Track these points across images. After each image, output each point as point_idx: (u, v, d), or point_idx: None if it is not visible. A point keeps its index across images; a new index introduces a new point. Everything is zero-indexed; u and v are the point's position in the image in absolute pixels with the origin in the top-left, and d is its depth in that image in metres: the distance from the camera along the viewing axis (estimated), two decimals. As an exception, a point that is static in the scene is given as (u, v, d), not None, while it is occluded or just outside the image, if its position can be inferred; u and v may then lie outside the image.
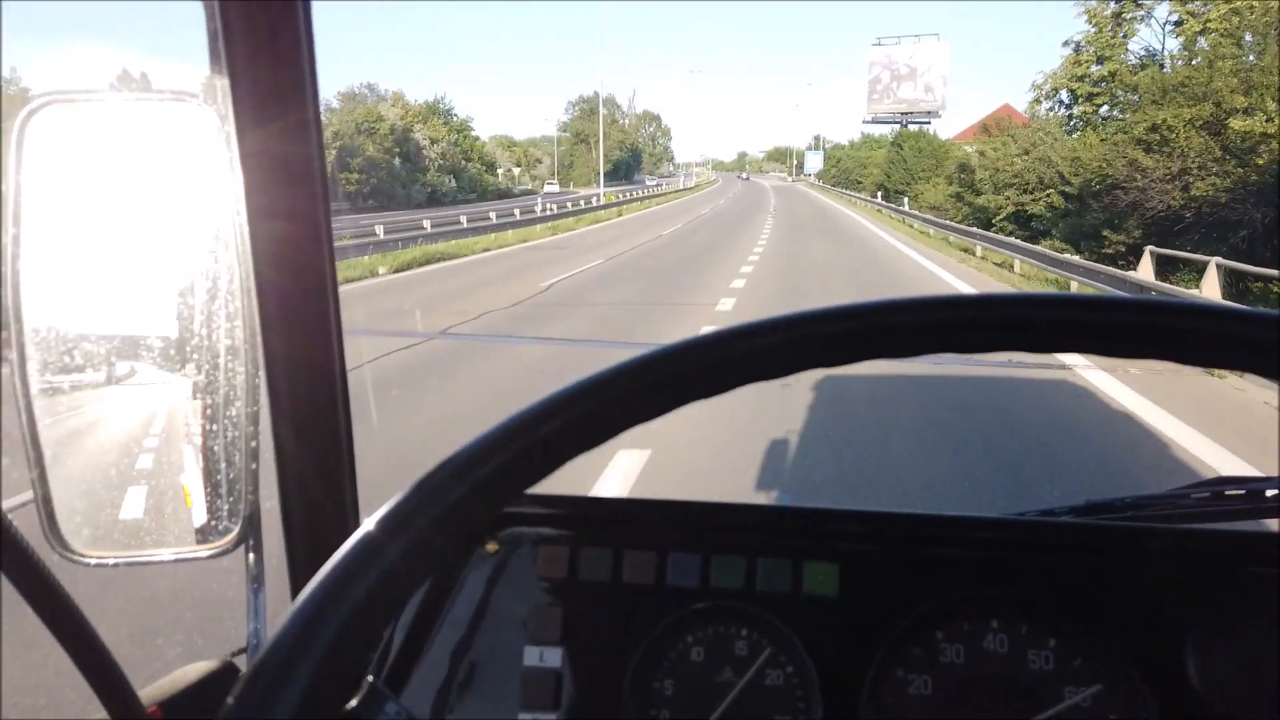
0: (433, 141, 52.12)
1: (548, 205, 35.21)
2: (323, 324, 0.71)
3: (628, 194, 55.46)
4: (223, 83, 0.68)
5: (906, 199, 36.86)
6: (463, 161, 56.92)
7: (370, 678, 0.42)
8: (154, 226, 0.75)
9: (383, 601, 0.36)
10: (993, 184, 24.20)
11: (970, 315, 0.40)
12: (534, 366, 7.61)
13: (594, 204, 39.34)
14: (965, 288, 13.23)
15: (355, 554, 0.36)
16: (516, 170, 74.99)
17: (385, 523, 0.37)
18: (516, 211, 28.77)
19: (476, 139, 64.89)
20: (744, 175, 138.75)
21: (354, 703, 0.40)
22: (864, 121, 73.24)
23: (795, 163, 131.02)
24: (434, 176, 51.19)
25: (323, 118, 0.73)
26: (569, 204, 37.47)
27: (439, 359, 8.12)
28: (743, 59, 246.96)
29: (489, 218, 25.44)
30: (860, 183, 59.22)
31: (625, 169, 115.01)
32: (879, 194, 44.61)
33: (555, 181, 76.97)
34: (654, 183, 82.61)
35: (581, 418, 0.39)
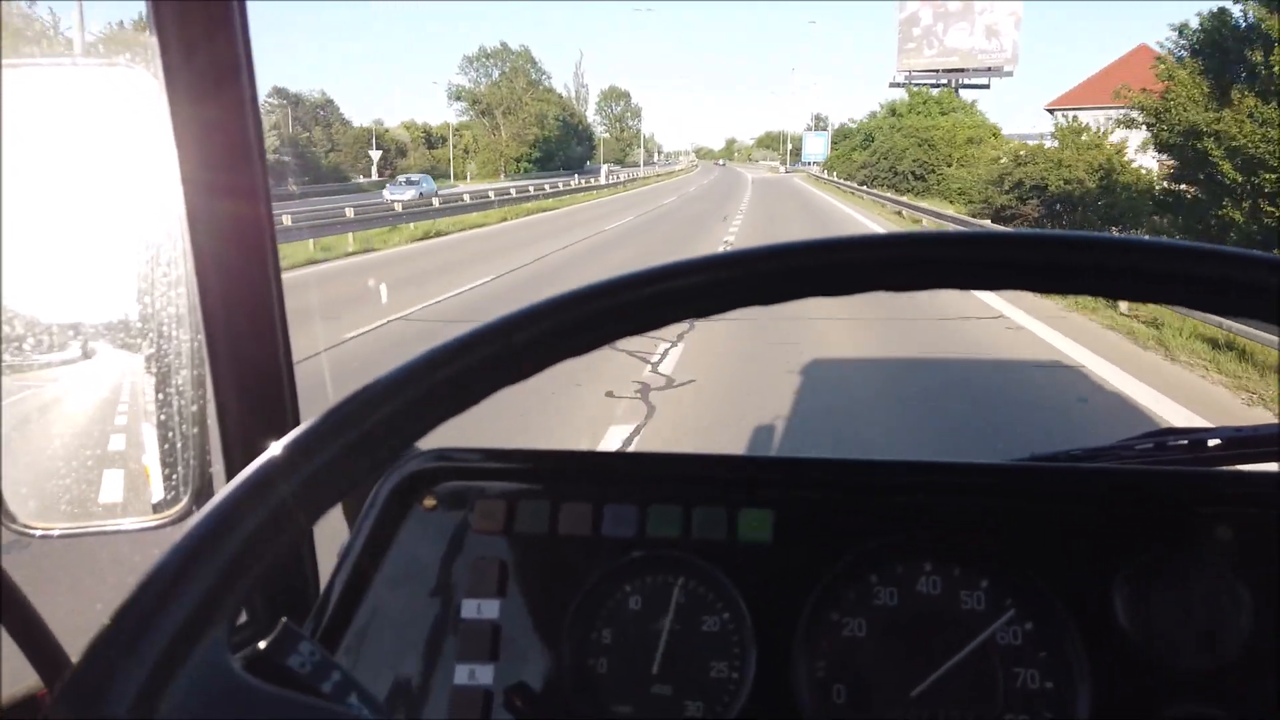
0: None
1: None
2: (262, 287, 0.70)
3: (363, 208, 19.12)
4: (154, 44, 0.68)
5: None
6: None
7: (284, 619, 0.41)
8: (94, 193, 0.74)
9: (278, 530, 0.35)
10: None
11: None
12: None
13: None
14: None
15: (254, 478, 0.35)
16: (375, 155, 54.91)
17: (291, 447, 0.36)
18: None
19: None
20: (721, 163, 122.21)
21: (264, 644, 0.39)
22: (891, 84, 47.49)
23: (790, 148, 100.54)
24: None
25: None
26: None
27: None
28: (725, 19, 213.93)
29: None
30: (925, 178, 31.03)
31: (566, 157, 78.16)
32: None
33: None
34: (440, 188, 34.34)
35: (494, 356, 0.39)
